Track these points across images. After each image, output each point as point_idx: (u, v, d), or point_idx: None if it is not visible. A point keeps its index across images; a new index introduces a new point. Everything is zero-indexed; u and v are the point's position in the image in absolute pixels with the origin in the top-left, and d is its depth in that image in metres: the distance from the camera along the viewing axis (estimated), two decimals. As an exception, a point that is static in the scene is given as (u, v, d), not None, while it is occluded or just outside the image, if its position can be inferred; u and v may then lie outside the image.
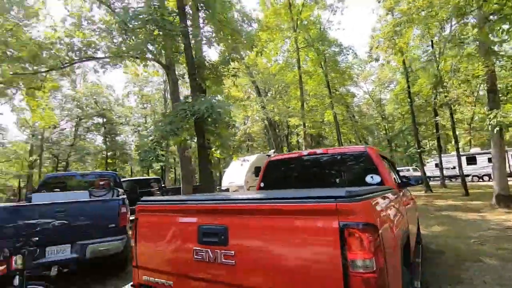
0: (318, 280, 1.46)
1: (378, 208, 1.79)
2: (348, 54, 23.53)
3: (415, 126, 18.54)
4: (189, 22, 9.10)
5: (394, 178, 3.57)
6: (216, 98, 8.98)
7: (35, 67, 11.10)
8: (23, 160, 30.00)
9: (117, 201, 4.80)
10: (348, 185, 3.21)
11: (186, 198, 2.13)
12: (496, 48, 9.40)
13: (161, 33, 7.52)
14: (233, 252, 1.71)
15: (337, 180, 3.43)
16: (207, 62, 9.11)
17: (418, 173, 22.95)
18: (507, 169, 10.82)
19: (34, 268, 3.83)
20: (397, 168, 5.27)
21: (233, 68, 10.25)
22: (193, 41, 8.92)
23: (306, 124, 19.87)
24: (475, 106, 18.17)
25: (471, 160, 24.65)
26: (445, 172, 21.53)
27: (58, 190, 6.31)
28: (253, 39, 10.97)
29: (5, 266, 2.71)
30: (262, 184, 3.92)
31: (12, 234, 3.64)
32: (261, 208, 1.68)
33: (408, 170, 28.90)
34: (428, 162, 25.36)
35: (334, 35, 42.30)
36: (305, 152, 3.80)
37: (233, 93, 19.67)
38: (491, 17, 7.14)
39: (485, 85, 11.10)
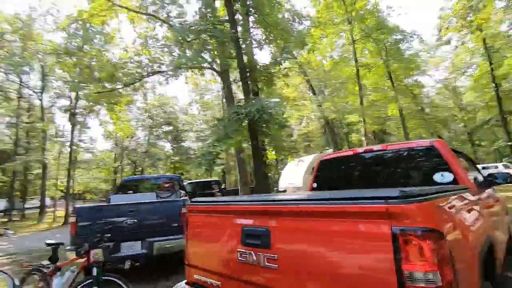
0: (368, 291, 1.29)
1: (445, 211, 1.52)
2: (412, 41, 21.24)
3: (502, 115, 15.77)
4: (239, 28, 9.36)
5: (473, 177, 3.04)
6: (267, 99, 9.01)
7: (112, 85, 12.75)
8: (109, 166, 34.73)
9: (179, 202, 5.13)
10: (411, 185, 2.83)
11: (229, 199, 2.14)
12: None
13: (213, 41, 7.89)
14: (276, 255, 1.63)
15: (400, 179, 3.05)
16: (258, 65, 9.23)
17: (511, 170, 19.37)
18: None
19: (111, 262, 4.34)
20: (483, 165, 4.48)
21: (285, 68, 10.18)
22: (244, 46, 9.15)
23: (366, 121, 18.58)
24: None
25: None
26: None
27: (131, 192, 7.09)
28: (304, 37, 10.75)
29: (85, 258, 3.11)
30: (314, 185, 3.74)
31: (91, 231, 4.16)
32: (301, 210, 1.57)
33: (497, 167, 24.59)
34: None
35: (395, 22, 38.70)
36: (360, 150, 3.49)
37: (287, 94, 19.56)
38: None
39: None
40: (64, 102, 23.50)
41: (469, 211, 1.94)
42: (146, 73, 12.38)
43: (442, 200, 1.53)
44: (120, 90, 14.46)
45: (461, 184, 2.56)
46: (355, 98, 20.06)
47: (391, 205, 1.27)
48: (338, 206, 1.43)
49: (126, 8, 12.54)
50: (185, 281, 2.43)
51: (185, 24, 9.21)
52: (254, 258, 1.73)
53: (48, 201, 27.46)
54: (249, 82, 8.24)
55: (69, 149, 23.30)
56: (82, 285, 2.98)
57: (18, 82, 23.37)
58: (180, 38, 8.82)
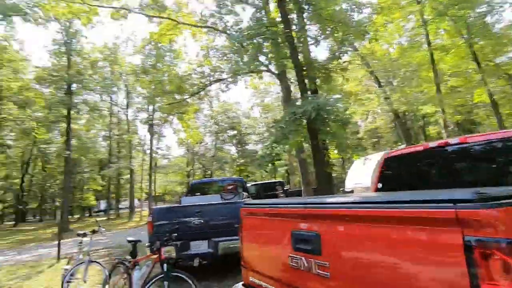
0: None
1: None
2: (503, 11, 17.77)
3: None
4: (293, 27, 9.23)
5: None
6: (326, 96, 8.64)
7: (180, 96, 13.97)
8: (183, 170, 38.19)
9: (240, 204, 5.27)
10: (498, 185, 2.33)
11: (278, 202, 2.08)
12: None
13: (267, 44, 7.95)
14: (327, 263, 1.51)
15: (483, 178, 2.53)
16: (315, 62, 8.93)
17: None
18: None
19: (182, 259, 4.71)
20: None
21: (344, 61, 9.63)
22: (299, 44, 8.97)
23: (446, 110, 16.25)
24: None
25: None
26: None
27: (199, 194, 7.60)
28: (364, 26, 10.00)
29: (157, 255, 3.44)
30: (379, 185, 3.40)
31: (164, 230, 4.57)
32: (352, 214, 1.42)
33: None
34: None
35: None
36: (433, 144, 3.02)
37: (349, 88, 18.47)
38: None
39: None
40: (144, 115, 26.89)
41: None
42: (208, 82, 13.22)
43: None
44: (188, 100, 15.78)
45: None
46: (430, 87, 17.76)
47: (463, 210, 1.05)
48: (395, 211, 1.25)
49: (188, 24, 13.62)
50: (242, 282, 2.46)
51: (241, 31, 9.52)
52: (306, 264, 1.65)
53: (136, 202, 31.71)
54: (305, 81, 8.04)
55: (149, 156, 26.65)
56: (155, 279, 3.29)
57: (109, 101, 27.79)
58: (237, 45, 9.15)
